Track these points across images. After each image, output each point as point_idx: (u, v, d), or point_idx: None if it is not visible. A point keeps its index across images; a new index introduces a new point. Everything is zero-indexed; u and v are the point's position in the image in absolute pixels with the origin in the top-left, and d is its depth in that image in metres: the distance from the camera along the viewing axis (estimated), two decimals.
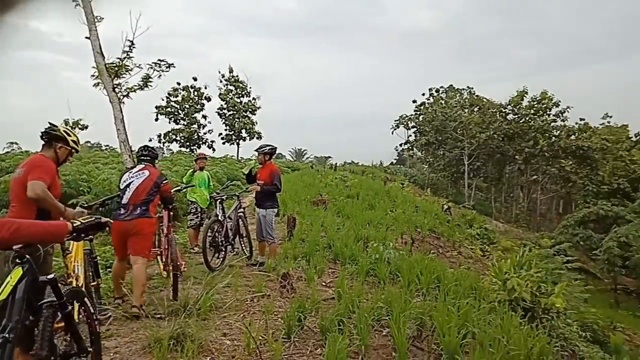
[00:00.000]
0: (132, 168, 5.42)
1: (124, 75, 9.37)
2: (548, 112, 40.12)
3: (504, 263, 6.79)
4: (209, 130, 38.46)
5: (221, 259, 6.91)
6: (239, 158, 37.01)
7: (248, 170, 7.17)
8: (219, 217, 7.04)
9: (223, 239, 6.94)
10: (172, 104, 36.46)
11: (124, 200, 4.86)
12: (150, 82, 9.78)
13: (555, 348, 5.03)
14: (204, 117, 38.11)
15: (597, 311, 10.42)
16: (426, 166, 52.18)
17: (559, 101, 39.72)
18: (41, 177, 3.56)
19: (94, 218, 2.61)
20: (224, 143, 38.76)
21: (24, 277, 2.20)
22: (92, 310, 2.91)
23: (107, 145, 52.52)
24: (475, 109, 42.85)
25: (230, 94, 38.44)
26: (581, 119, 40.93)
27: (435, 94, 46.40)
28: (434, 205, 15.74)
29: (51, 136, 3.86)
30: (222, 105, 38.33)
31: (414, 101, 46.34)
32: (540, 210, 44.83)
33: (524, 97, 40.86)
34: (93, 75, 9.01)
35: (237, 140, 38.76)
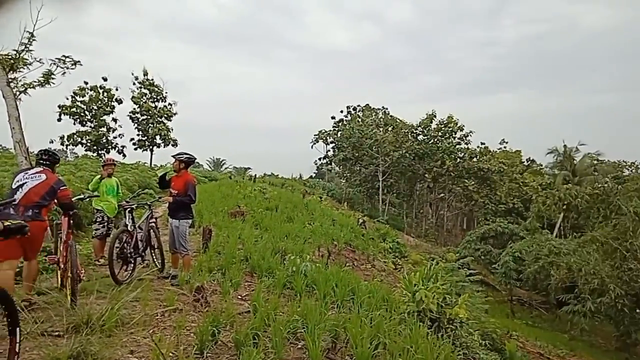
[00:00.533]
0: (28, 169, 5.21)
1: (21, 70, 8.56)
2: (454, 135, 43.24)
3: (413, 276, 7.11)
4: (120, 135, 36.10)
5: (130, 272, 6.47)
6: (152, 165, 35.20)
7: (163, 173, 6.90)
8: (128, 227, 6.60)
9: (132, 250, 6.52)
10: (78, 104, 33.72)
11: (15, 201, 4.62)
12: (53, 78, 9.02)
13: (459, 356, 5.37)
14: (114, 120, 35.70)
15: (496, 321, 11.27)
16: (343, 181, 53.61)
17: (463, 125, 43.07)
18: None
19: (19, 221, 2.65)
20: (135, 149, 36.53)
21: None
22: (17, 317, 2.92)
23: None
24: (390, 129, 45.00)
25: (144, 97, 36.49)
26: (482, 143, 44.71)
27: (353, 112, 48.00)
28: (350, 219, 16.14)
29: None
30: (134, 109, 36.25)
31: (333, 117, 47.63)
32: (447, 226, 47.93)
33: (433, 120, 43.78)
34: None
35: (151, 147, 36.80)
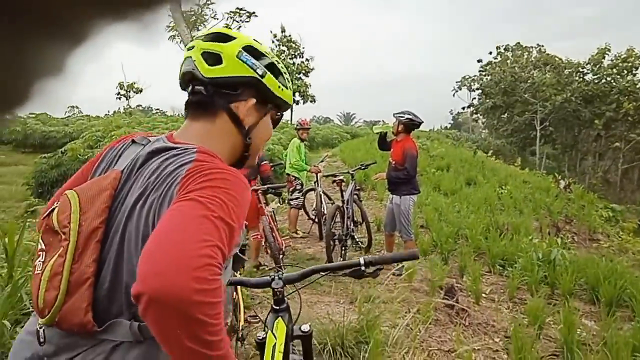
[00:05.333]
0: None
1: (199, 28, 7.87)
2: (634, 72, 35.82)
3: None
4: None
5: (343, 254, 5.44)
6: (293, 123, 35.49)
7: (379, 131, 5.54)
8: (339, 204, 5.54)
9: (345, 229, 5.47)
10: None
11: None
12: None
13: None
14: None
15: None
16: (486, 131, 48.91)
17: None
18: None
19: None
20: None
21: (289, 330, 1.51)
22: None
23: (157, 109, 52.46)
24: (547, 69, 38.90)
25: (282, 55, 36.53)
26: None
27: (503, 52, 42.50)
28: (539, 179, 13.59)
29: None
30: None
31: (479, 61, 42.72)
32: (616, 180, 41.01)
33: (606, 55, 36.64)
34: (168, 26, 7.57)
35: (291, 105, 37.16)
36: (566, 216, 9.00)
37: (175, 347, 0.73)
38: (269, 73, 1.06)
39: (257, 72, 1.04)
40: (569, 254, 5.62)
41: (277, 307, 1.51)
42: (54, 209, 0.95)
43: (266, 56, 1.08)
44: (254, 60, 1.04)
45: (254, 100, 1.06)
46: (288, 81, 1.15)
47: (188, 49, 1.09)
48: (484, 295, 4.86)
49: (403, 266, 5.15)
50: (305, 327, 1.59)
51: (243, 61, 1.03)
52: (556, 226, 7.66)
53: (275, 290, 1.50)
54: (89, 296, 0.86)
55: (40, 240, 0.95)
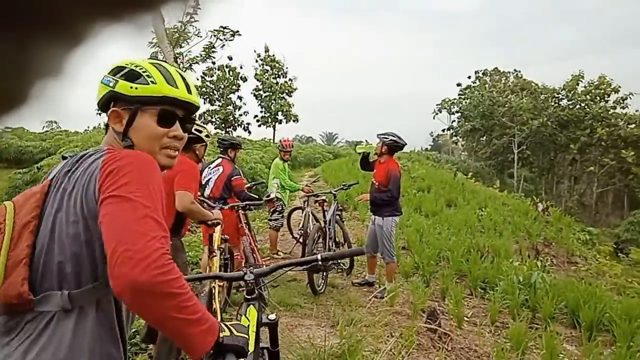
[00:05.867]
0: (211, 162, 5.09)
1: (183, 44, 7.85)
2: (606, 99, 37.17)
3: None
4: (245, 112, 36.93)
5: (324, 278, 5.35)
6: (275, 142, 35.51)
7: (362, 151, 5.56)
8: (322, 224, 5.48)
9: (327, 250, 5.39)
10: (208, 83, 34.95)
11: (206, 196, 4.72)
12: (214, 51, 8.23)
13: None
14: (240, 98, 36.54)
15: None
16: (465, 153, 49.73)
17: (619, 87, 36.70)
18: (189, 187, 3.00)
19: None
20: (259, 126, 37.30)
21: (259, 317, 1.76)
22: None
23: None
24: (524, 94, 40.04)
25: (266, 74, 36.74)
26: None
27: (482, 77, 43.63)
28: (518, 202, 13.77)
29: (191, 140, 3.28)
30: (257, 86, 36.69)
31: (459, 84, 43.72)
32: (592, 203, 42.02)
33: (580, 82, 37.98)
34: (151, 43, 7.47)
35: (273, 123, 37.21)
36: (545, 239, 9.11)
37: (165, 320, 0.96)
38: (120, 80, 1.20)
39: (109, 86, 1.20)
40: (548, 277, 5.65)
41: (249, 297, 1.76)
42: None
43: (125, 67, 1.22)
44: (109, 78, 1.21)
45: (112, 109, 1.22)
46: (153, 75, 1.20)
47: None
48: (466, 318, 4.82)
49: (385, 288, 5.10)
50: (272, 316, 1.83)
51: (102, 82, 1.22)
52: (535, 249, 7.74)
53: (248, 282, 1.74)
54: (25, 272, 1.04)
55: None
